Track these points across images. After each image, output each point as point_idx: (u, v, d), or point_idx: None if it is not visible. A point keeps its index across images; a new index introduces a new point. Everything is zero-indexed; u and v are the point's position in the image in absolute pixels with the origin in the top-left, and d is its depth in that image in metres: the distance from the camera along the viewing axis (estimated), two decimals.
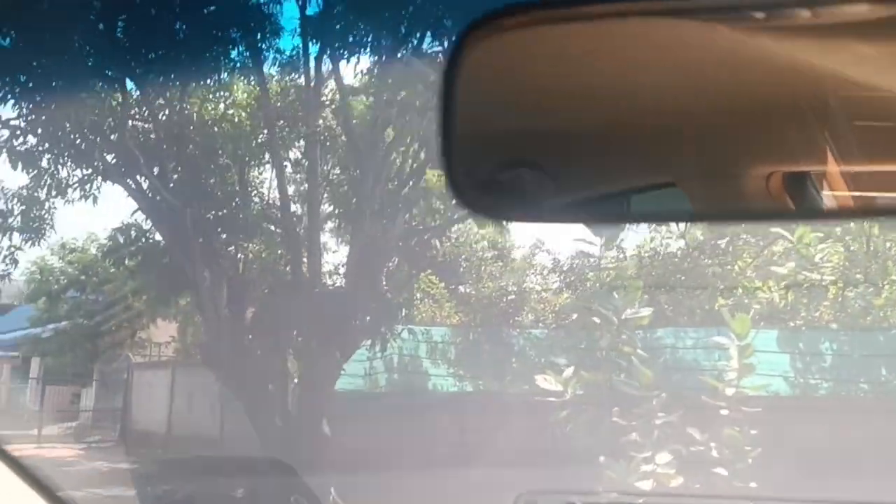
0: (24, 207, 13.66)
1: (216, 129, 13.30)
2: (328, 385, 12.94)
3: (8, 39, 11.66)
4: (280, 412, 12.96)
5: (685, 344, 12.41)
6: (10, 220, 13.67)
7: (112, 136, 12.57)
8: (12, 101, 11.94)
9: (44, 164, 12.75)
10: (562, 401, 7.82)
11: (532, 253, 16.29)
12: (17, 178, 13.58)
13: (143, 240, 14.08)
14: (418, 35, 13.26)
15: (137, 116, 13.26)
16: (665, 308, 12.71)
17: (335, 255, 16.12)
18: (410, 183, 14.39)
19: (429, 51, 13.40)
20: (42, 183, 13.03)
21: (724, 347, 7.86)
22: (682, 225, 14.28)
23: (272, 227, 14.47)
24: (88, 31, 11.52)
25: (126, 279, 17.02)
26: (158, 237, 13.90)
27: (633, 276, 11.71)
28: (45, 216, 13.94)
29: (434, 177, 14.96)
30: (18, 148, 12.38)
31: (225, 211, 13.72)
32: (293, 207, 14.67)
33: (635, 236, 14.48)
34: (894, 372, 12.13)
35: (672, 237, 14.16)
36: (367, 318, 13.23)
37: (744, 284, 12.93)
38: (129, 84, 12.56)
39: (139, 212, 13.59)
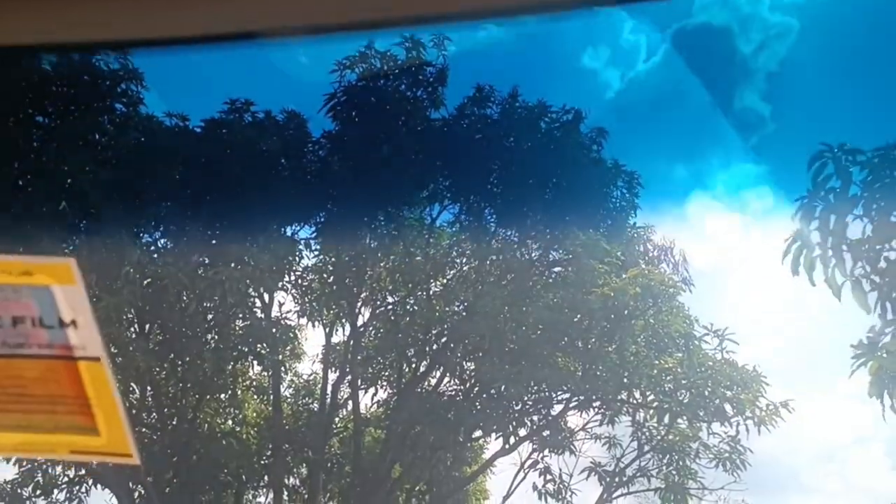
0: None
1: (224, 442, 12.89)
2: None
3: None
4: None
5: None
6: None
7: None
8: None
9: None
10: None
11: None
12: (5, 472, 12.78)
13: None
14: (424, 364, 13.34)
15: (146, 419, 12.83)
16: None
17: None
18: None
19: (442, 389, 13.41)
20: (31, 479, 12.29)
21: None
22: None
23: None
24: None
25: None
26: None
27: None
28: None
29: None
30: None
31: None
32: None
33: None
34: None
35: None
36: None
37: None
38: (141, 385, 12.34)
39: None
